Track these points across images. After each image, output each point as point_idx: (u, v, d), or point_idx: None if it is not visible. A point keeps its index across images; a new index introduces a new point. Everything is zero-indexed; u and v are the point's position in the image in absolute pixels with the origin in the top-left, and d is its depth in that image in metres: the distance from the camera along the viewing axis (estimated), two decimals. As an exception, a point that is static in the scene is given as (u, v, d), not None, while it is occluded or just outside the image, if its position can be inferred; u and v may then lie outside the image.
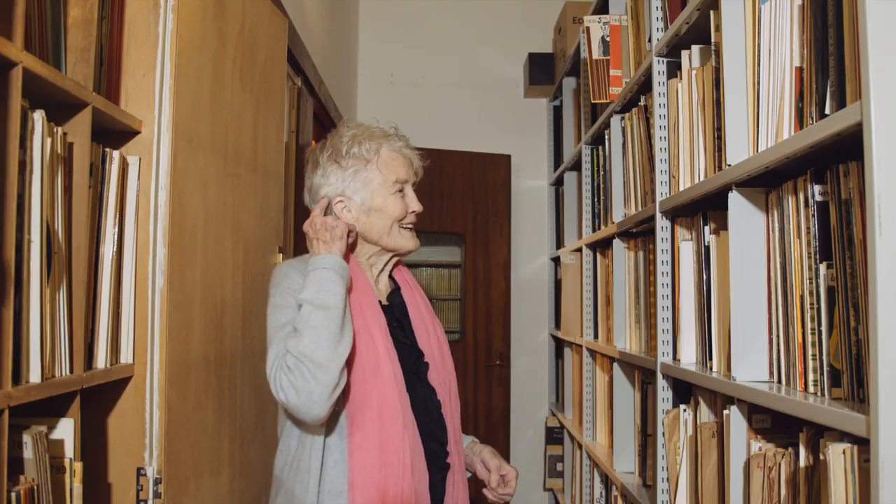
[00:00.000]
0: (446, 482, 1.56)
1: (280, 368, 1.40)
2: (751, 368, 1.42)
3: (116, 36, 1.48)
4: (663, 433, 1.90)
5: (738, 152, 1.45)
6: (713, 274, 1.65)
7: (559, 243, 4.09)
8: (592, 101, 2.67)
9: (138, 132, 1.51)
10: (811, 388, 1.23)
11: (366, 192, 1.58)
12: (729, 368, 1.52)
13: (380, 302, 1.59)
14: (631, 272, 2.41)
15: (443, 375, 1.63)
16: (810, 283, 1.24)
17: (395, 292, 1.67)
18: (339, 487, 1.44)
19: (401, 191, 1.61)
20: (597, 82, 2.58)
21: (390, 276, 1.69)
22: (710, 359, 1.64)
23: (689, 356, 1.80)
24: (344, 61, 4.03)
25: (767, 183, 1.40)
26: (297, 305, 1.46)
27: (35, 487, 1.09)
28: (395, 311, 1.63)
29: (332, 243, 1.50)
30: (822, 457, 1.08)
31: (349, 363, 1.45)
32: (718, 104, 1.59)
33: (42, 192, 1.12)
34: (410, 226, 1.63)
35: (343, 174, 1.58)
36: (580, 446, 3.21)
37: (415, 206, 1.62)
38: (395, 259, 1.66)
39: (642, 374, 2.29)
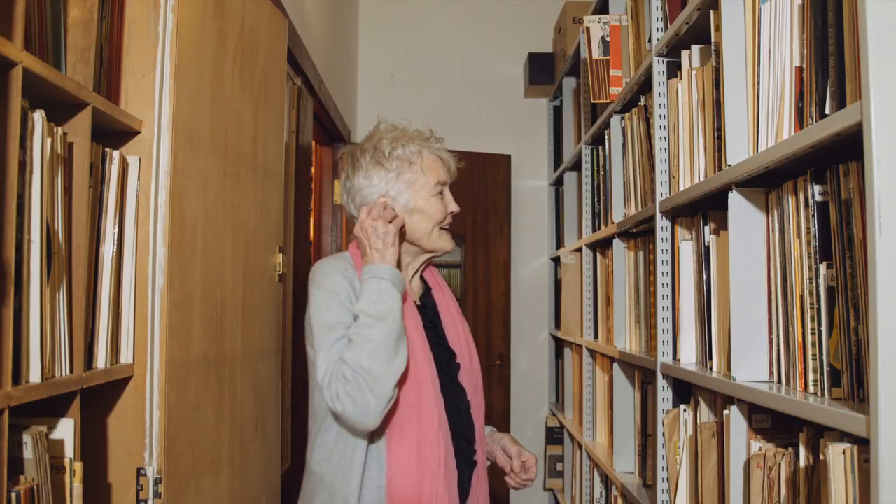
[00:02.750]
0: (472, 478, 1.62)
1: (336, 377, 1.43)
2: (751, 368, 1.42)
3: (116, 36, 1.48)
4: (663, 433, 1.90)
5: (738, 152, 1.45)
6: (713, 274, 1.65)
7: (559, 243, 4.09)
8: (592, 101, 2.67)
9: (138, 132, 1.51)
10: (811, 388, 1.23)
11: (409, 194, 1.61)
12: (729, 368, 1.52)
13: (414, 303, 1.63)
14: (631, 272, 2.41)
15: (472, 376, 1.67)
16: (810, 283, 1.24)
17: (427, 293, 1.71)
18: (378, 483, 1.49)
19: (440, 193, 1.64)
20: (597, 82, 2.58)
21: (421, 277, 1.73)
22: (710, 359, 1.64)
23: (689, 356, 1.80)
24: (344, 61, 4.03)
25: (767, 183, 1.40)
26: (342, 308, 1.50)
27: (35, 487, 1.09)
28: (427, 313, 1.66)
29: (385, 251, 1.52)
30: (822, 457, 1.08)
31: None
32: (718, 104, 1.59)
33: (42, 192, 1.12)
34: (447, 227, 1.67)
35: (387, 176, 1.60)
36: (580, 446, 3.21)
37: (453, 206, 1.66)
38: (428, 260, 1.70)
39: (642, 374, 2.29)
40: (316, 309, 1.52)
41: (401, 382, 1.48)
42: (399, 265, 1.61)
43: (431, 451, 1.49)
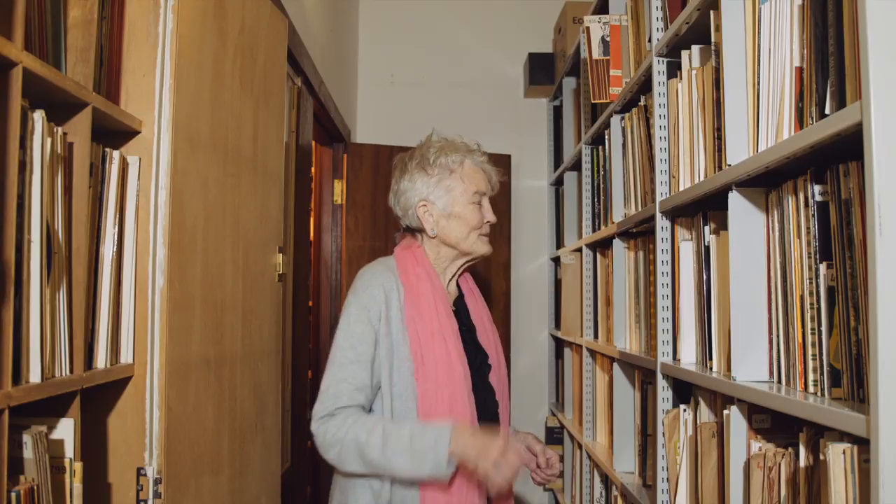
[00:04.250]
0: None
1: (333, 417, 1.55)
2: (751, 368, 1.42)
3: (116, 36, 1.48)
4: (663, 433, 1.90)
5: (738, 152, 1.45)
6: (713, 274, 1.65)
7: (559, 243, 4.09)
8: (592, 101, 2.67)
9: (138, 132, 1.51)
10: (811, 388, 1.23)
11: (447, 199, 1.71)
12: (729, 368, 1.52)
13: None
14: (631, 272, 2.41)
15: (500, 379, 1.77)
16: (810, 283, 1.24)
17: (460, 299, 1.81)
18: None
19: (478, 202, 1.73)
20: (597, 82, 2.58)
21: (457, 284, 1.82)
22: (710, 359, 1.64)
23: (689, 356, 1.80)
24: (344, 61, 4.03)
25: (767, 183, 1.40)
26: (366, 326, 1.60)
27: (35, 487, 1.09)
28: (462, 317, 1.77)
29: (484, 472, 1.50)
30: (822, 457, 1.08)
31: (425, 363, 1.60)
32: (718, 104, 1.59)
33: (42, 192, 1.12)
34: (485, 234, 1.76)
35: (429, 181, 1.71)
36: (580, 446, 3.21)
37: (490, 216, 1.75)
38: (466, 265, 1.80)
39: (642, 374, 2.29)
40: (345, 320, 1.63)
41: (435, 380, 1.58)
42: (441, 268, 1.73)
43: None
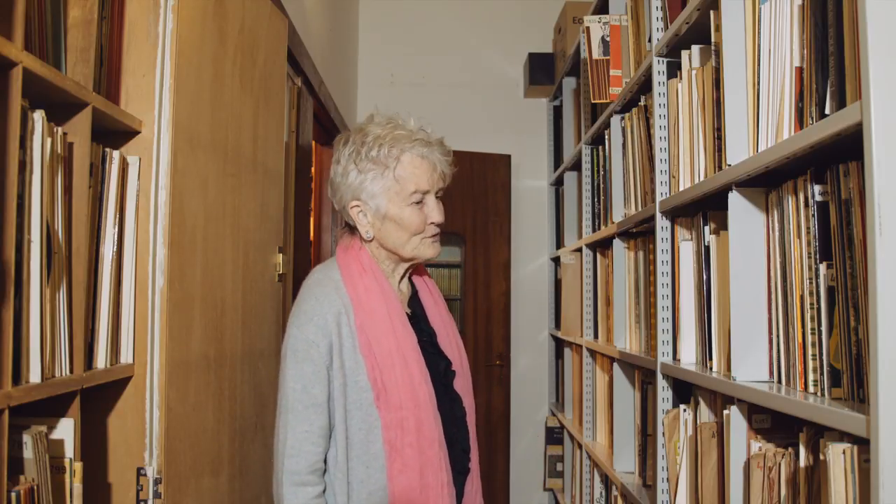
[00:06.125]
0: (466, 484, 1.58)
1: (301, 486, 1.41)
2: (751, 368, 1.42)
3: (116, 36, 1.48)
4: (663, 433, 1.90)
5: (738, 152, 1.45)
6: (713, 274, 1.65)
7: (559, 243, 4.09)
8: (592, 101, 2.67)
9: (138, 132, 1.51)
10: (811, 388, 1.23)
11: (382, 200, 1.50)
12: (729, 368, 1.52)
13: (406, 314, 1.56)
14: (631, 272, 2.41)
15: (465, 379, 1.62)
16: (810, 283, 1.24)
17: (414, 297, 1.64)
18: None
19: (420, 201, 1.51)
20: (597, 82, 2.58)
21: (409, 279, 1.65)
22: (710, 359, 1.64)
23: (689, 356, 1.80)
24: (344, 61, 4.03)
25: (767, 183, 1.40)
26: (320, 364, 1.43)
27: (35, 487, 1.09)
28: (419, 322, 1.59)
29: None
30: (822, 457, 1.08)
31: (387, 390, 1.45)
32: (718, 104, 1.59)
33: (42, 192, 1.12)
34: (432, 236, 1.54)
35: (361, 178, 1.50)
36: (580, 446, 3.21)
37: (435, 216, 1.53)
38: (414, 265, 1.61)
39: (642, 374, 2.29)
40: (291, 355, 1.45)
41: (399, 407, 1.45)
42: (388, 270, 1.57)
43: (434, 473, 1.46)
